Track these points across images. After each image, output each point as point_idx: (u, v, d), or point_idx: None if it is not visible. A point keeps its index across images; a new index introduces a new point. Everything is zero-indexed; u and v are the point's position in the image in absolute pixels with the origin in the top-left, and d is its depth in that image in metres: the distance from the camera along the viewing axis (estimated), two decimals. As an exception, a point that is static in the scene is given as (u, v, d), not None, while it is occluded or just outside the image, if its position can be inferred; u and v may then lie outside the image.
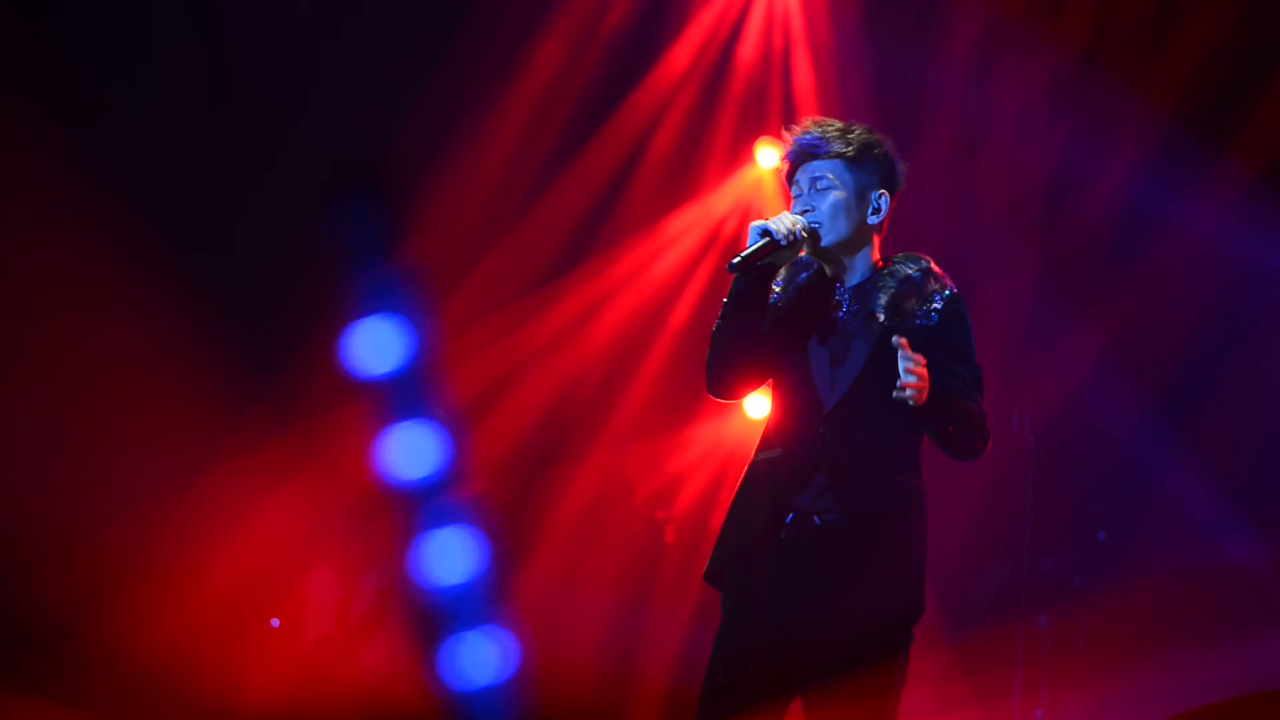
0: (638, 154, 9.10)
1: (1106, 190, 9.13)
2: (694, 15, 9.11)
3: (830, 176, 4.62)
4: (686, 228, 9.18)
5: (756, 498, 4.59)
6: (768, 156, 8.82)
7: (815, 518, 4.52)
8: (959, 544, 8.82)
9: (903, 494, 4.55)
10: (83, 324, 7.65)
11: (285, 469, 8.09)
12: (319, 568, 8.67)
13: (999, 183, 9.22)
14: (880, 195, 4.65)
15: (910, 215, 5.02)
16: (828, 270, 4.66)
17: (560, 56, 8.86)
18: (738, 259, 4.51)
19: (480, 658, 4.56)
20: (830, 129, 4.65)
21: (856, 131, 4.66)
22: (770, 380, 4.68)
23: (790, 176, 4.70)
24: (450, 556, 4.60)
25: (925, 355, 4.43)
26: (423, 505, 4.60)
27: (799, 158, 4.66)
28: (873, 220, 4.65)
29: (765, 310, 4.61)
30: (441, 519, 4.60)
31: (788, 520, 4.54)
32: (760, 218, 4.69)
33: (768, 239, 4.51)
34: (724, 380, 4.64)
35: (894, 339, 4.38)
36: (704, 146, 9.15)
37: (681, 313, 9.12)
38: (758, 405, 8.46)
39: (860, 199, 4.63)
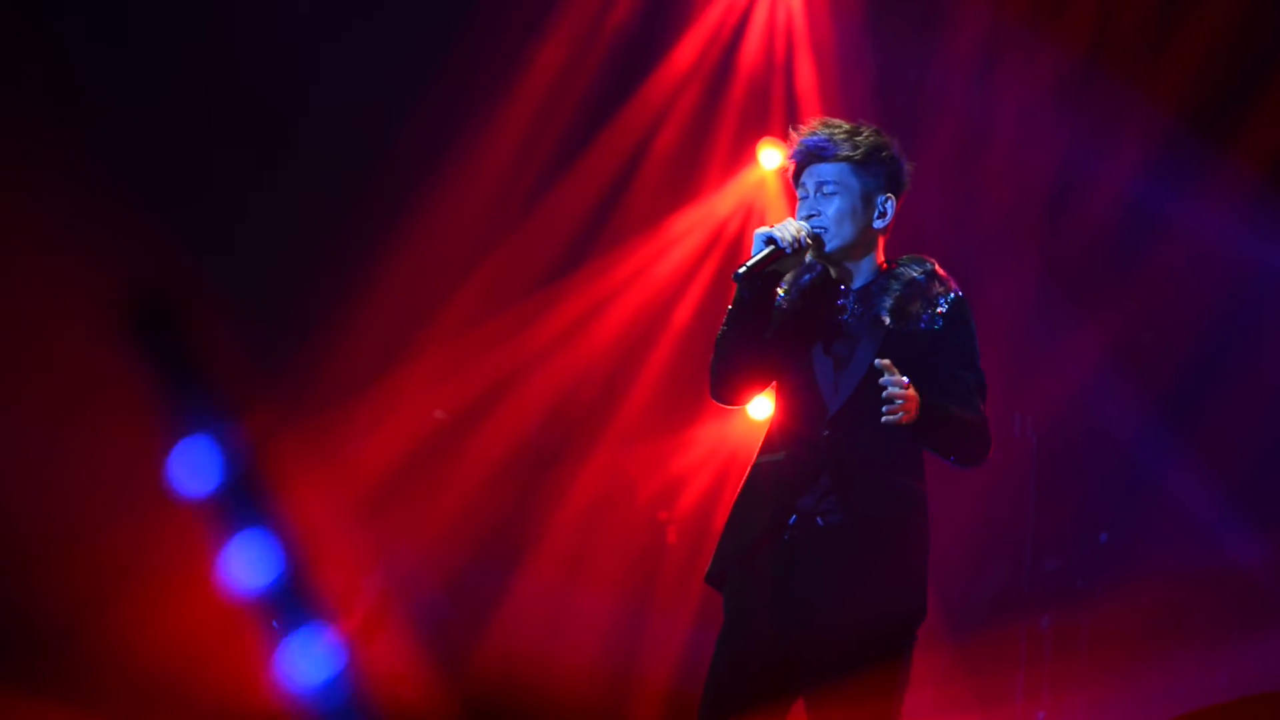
0: (640, 154, 9.08)
1: (1109, 191, 9.13)
2: (697, 15, 9.10)
3: (836, 180, 4.60)
4: (689, 228, 9.16)
5: (760, 499, 4.59)
6: (770, 157, 8.80)
7: (818, 519, 4.52)
8: (961, 545, 8.82)
9: (906, 496, 4.54)
10: (82, 324, 7.64)
11: (285, 469, 8.07)
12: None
13: (1001, 183, 9.21)
14: (886, 199, 4.63)
15: (913, 216, 5.00)
16: (832, 273, 4.65)
17: (563, 57, 8.84)
18: (743, 268, 4.48)
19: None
20: (838, 131, 4.62)
21: (864, 134, 4.63)
22: (774, 383, 4.67)
23: (796, 177, 4.67)
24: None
25: (929, 359, 4.43)
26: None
27: (805, 159, 4.64)
28: (878, 224, 4.63)
29: (770, 317, 4.59)
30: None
31: (791, 522, 4.53)
32: (763, 219, 4.68)
33: (773, 247, 4.48)
34: (729, 386, 4.62)
35: (876, 361, 4.37)
36: (706, 147, 9.14)
37: (684, 313, 9.11)
38: (760, 407, 8.44)
39: (866, 203, 4.61)
